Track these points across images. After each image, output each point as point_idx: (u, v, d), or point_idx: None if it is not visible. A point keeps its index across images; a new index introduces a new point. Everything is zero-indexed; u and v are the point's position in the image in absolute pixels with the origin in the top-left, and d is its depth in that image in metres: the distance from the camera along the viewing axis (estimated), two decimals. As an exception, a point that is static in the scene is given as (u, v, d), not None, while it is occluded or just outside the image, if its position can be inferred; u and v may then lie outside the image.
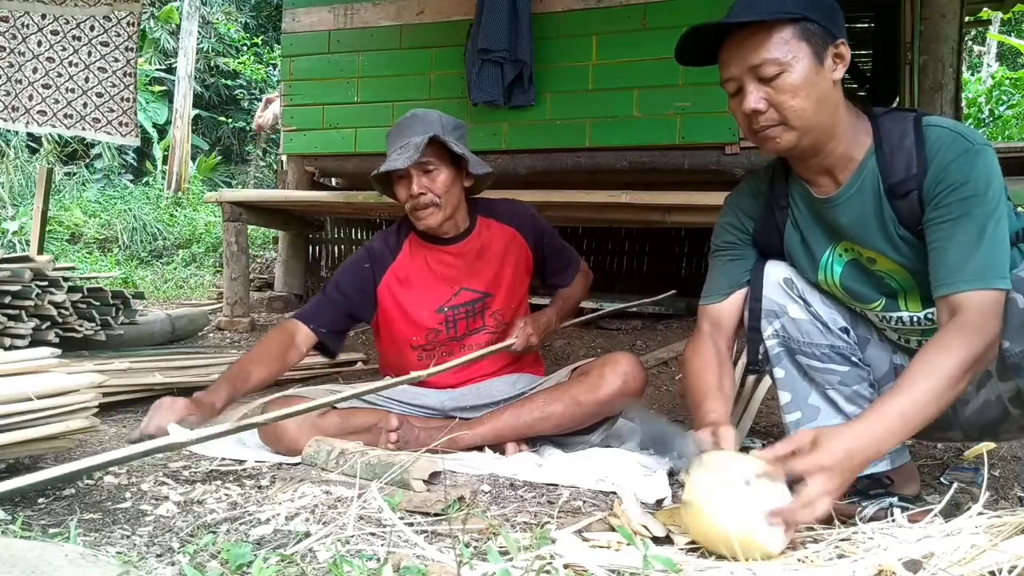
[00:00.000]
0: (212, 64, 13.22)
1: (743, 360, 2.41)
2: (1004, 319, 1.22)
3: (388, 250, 2.10)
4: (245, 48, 13.44)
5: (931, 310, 1.39)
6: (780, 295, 1.51)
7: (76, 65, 4.02)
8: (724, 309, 1.55)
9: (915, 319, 1.43)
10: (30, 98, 4.00)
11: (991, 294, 1.22)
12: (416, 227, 2.06)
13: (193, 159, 11.83)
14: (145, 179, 11.26)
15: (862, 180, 1.36)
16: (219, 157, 12.85)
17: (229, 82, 13.36)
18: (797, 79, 1.26)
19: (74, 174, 10.83)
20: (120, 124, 4.11)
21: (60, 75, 4.02)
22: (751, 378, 2.44)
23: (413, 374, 1.80)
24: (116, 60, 4.08)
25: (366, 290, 2.08)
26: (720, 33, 1.33)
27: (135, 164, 12.05)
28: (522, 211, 2.17)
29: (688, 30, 1.34)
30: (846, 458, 1.12)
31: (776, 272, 1.52)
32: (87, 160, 11.36)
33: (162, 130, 12.04)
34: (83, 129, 4.08)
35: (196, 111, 12.37)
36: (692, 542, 1.19)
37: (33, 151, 10.48)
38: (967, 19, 5.39)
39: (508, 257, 2.12)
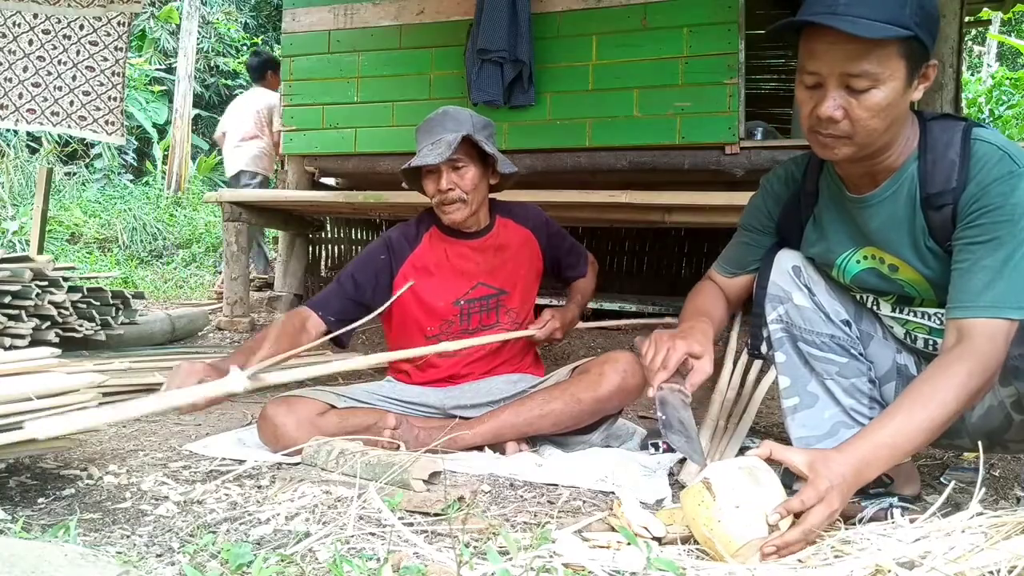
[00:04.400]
0: (212, 64, 13.22)
1: (744, 356, 2.42)
2: None
3: (407, 241, 2.15)
4: (245, 48, 13.44)
5: (944, 311, 1.39)
6: (787, 281, 1.52)
7: (65, 64, 4.03)
8: (728, 284, 1.65)
9: (926, 315, 1.43)
10: (19, 96, 4.01)
11: (1003, 324, 1.21)
12: (439, 220, 2.11)
13: (193, 159, 11.83)
14: (145, 179, 11.25)
15: (899, 185, 1.34)
16: (219, 157, 12.84)
17: (229, 82, 13.36)
18: (883, 99, 1.21)
19: (74, 174, 10.82)
20: (107, 123, 4.12)
21: (49, 73, 4.03)
22: (751, 377, 2.44)
23: (426, 348, 1.97)
24: (105, 59, 4.09)
25: (381, 280, 2.12)
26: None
27: (135, 164, 12.05)
28: (535, 215, 2.23)
29: (790, 21, 1.24)
30: (842, 482, 1.12)
31: (786, 260, 1.54)
32: (87, 160, 11.35)
33: (162, 130, 12.03)
34: (69, 127, 4.09)
35: (196, 111, 12.36)
36: (690, 539, 1.19)
37: (33, 151, 10.47)
38: (967, 19, 5.39)
39: (522, 257, 2.17)
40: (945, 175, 1.29)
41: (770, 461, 1.18)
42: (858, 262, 1.45)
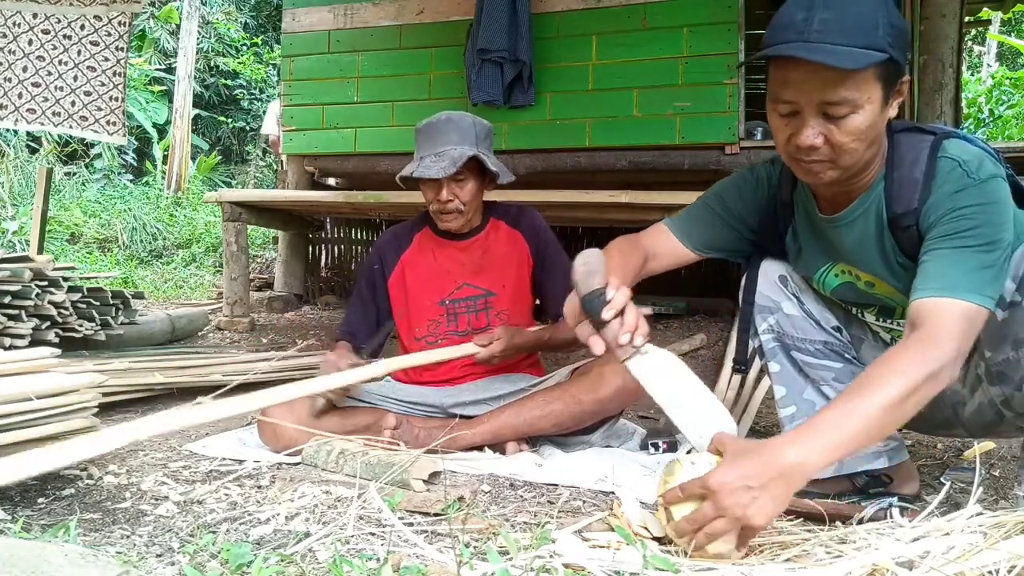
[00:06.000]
0: (212, 64, 13.22)
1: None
2: (983, 330, 1.18)
3: (398, 243, 2.20)
4: (245, 48, 13.44)
5: None
6: (775, 291, 1.52)
7: (66, 64, 4.03)
8: (675, 251, 1.52)
9: None
10: (19, 96, 4.01)
11: (958, 305, 1.13)
12: (433, 222, 2.15)
13: (193, 159, 11.84)
14: (145, 179, 11.25)
15: (867, 205, 1.33)
16: (219, 157, 12.85)
17: (229, 82, 13.36)
18: (863, 123, 1.18)
19: (74, 174, 10.83)
20: (108, 123, 4.12)
21: (50, 73, 4.03)
22: (751, 378, 2.44)
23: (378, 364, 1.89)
24: (106, 59, 4.09)
25: (379, 288, 2.19)
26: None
27: (135, 164, 12.05)
28: (530, 219, 2.21)
29: (765, 53, 1.20)
30: (748, 478, 1.03)
31: (772, 270, 1.53)
32: (87, 160, 11.35)
33: (162, 130, 12.03)
34: (70, 127, 4.09)
35: (196, 111, 12.37)
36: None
37: (33, 151, 10.48)
38: (967, 19, 5.39)
39: (512, 259, 2.16)
40: (908, 195, 1.27)
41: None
42: (836, 276, 1.45)
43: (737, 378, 2.58)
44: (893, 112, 1.24)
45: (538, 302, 2.23)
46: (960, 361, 1.13)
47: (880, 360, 1.13)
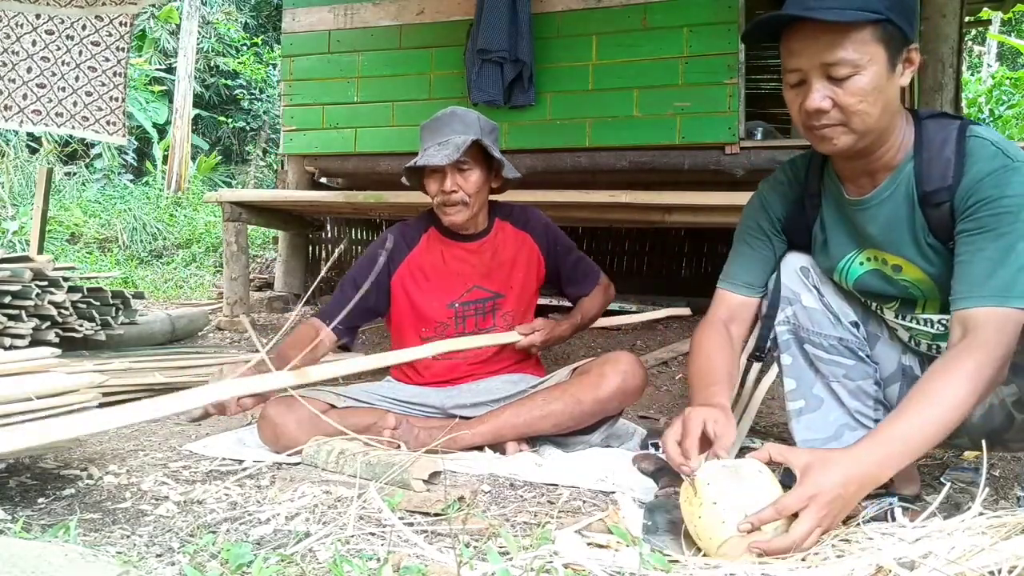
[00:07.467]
0: (212, 64, 13.22)
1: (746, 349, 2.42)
2: None
3: (405, 241, 2.15)
4: (245, 48, 13.44)
5: (947, 316, 1.38)
6: (796, 282, 1.51)
7: (68, 64, 4.04)
8: (745, 304, 1.55)
9: (930, 321, 1.43)
10: (24, 97, 4.01)
11: (1010, 312, 1.18)
12: (438, 221, 2.12)
13: (193, 159, 11.84)
14: (145, 179, 11.26)
15: (896, 185, 1.34)
16: (219, 157, 12.85)
17: (229, 82, 13.36)
18: (868, 83, 1.22)
19: (74, 174, 10.83)
20: (108, 123, 4.12)
21: (54, 74, 4.04)
22: (751, 377, 2.44)
23: (423, 349, 1.97)
24: (107, 60, 4.09)
25: (380, 282, 2.12)
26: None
27: (135, 164, 12.05)
28: (536, 219, 2.22)
29: (764, 17, 1.26)
30: (840, 486, 1.09)
31: (794, 260, 1.52)
32: (87, 160, 11.35)
33: (162, 130, 12.03)
34: (72, 128, 4.10)
35: (196, 111, 12.37)
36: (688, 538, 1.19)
37: (33, 151, 10.48)
38: (967, 19, 5.39)
39: (520, 261, 2.16)
40: (941, 172, 1.29)
41: (774, 463, 1.18)
42: (861, 264, 1.45)
43: (737, 378, 2.57)
44: (905, 81, 1.27)
45: (555, 303, 2.26)
46: (1007, 366, 1.19)
47: (938, 370, 1.18)
